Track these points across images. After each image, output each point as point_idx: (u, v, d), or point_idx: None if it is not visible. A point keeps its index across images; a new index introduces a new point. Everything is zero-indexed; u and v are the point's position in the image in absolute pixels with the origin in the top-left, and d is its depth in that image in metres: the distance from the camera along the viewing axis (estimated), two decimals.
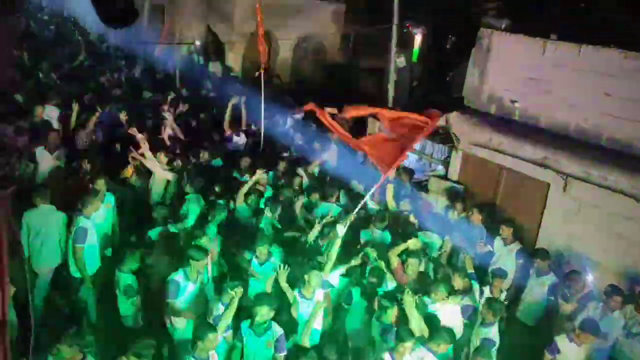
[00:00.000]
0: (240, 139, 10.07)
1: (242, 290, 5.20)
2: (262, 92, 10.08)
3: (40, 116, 9.14)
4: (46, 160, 7.94)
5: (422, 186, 9.68)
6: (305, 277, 5.72)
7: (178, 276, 5.76)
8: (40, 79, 11.37)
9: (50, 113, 9.56)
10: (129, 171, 8.04)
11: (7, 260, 1.05)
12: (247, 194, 7.51)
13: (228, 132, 10.06)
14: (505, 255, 7.57)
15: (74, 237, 6.38)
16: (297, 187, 8.37)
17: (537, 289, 7.00)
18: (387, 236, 7.48)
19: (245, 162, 8.73)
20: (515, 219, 8.04)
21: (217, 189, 7.75)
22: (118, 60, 14.60)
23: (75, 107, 9.00)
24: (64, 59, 13.30)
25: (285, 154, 9.67)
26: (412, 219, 8.01)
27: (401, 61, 11.46)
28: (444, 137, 9.52)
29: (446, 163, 9.72)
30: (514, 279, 7.37)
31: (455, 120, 9.14)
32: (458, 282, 6.34)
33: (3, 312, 1.08)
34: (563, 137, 8.03)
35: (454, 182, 9.32)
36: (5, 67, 11.06)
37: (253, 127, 10.60)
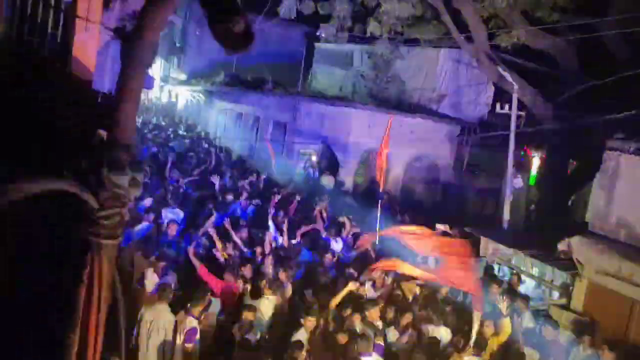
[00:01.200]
0: (336, 245, 10.15)
1: None
2: (379, 208, 10.33)
3: (172, 233, 8.95)
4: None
5: (540, 315, 8.87)
6: None
7: None
8: (167, 184, 12.35)
9: (172, 216, 10.20)
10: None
11: (103, 318, 1.04)
12: (339, 304, 7.31)
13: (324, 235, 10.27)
14: None
15: (185, 337, 6.48)
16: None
17: None
18: None
19: (348, 270, 8.67)
20: None
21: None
22: (241, 170, 15.58)
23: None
24: (192, 168, 14.48)
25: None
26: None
27: (518, 182, 11.10)
28: (566, 263, 8.84)
29: (567, 291, 8.94)
30: None
31: (578, 246, 8.51)
32: None
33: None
34: None
35: (578, 313, 8.47)
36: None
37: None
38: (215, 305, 7.27)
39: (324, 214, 11.39)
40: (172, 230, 8.97)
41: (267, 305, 7.30)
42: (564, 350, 7.74)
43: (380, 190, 10.74)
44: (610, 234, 8.57)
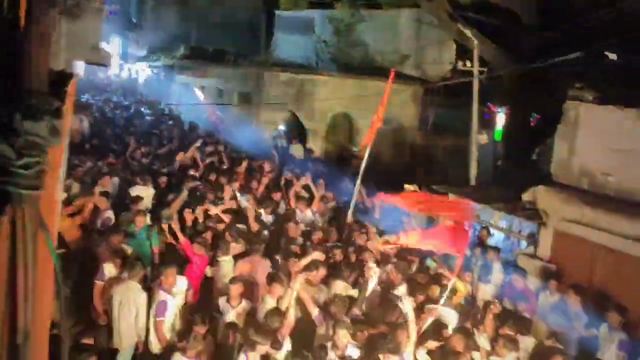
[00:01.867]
0: (306, 216, 10.08)
1: None
2: (362, 172, 10.22)
3: (141, 225, 8.20)
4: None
5: (510, 265, 9.10)
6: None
7: None
8: (130, 162, 12.11)
9: (142, 192, 9.99)
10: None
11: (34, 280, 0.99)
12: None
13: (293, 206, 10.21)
14: (606, 345, 6.78)
15: (155, 311, 6.44)
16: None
17: None
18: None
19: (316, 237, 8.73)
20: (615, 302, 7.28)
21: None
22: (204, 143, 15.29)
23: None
24: (156, 144, 14.20)
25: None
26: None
27: (483, 138, 11.21)
28: (532, 213, 9.03)
29: (534, 241, 9.16)
30: None
31: (542, 196, 8.69)
32: None
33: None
34: None
35: (545, 260, 8.70)
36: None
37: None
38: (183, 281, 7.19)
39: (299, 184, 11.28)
40: (140, 223, 8.19)
41: (223, 267, 7.42)
42: (533, 297, 7.99)
43: (366, 157, 10.54)
44: (573, 183, 8.75)
